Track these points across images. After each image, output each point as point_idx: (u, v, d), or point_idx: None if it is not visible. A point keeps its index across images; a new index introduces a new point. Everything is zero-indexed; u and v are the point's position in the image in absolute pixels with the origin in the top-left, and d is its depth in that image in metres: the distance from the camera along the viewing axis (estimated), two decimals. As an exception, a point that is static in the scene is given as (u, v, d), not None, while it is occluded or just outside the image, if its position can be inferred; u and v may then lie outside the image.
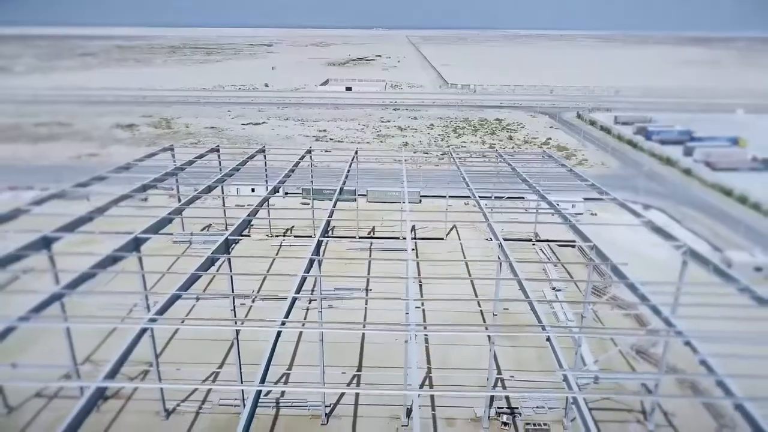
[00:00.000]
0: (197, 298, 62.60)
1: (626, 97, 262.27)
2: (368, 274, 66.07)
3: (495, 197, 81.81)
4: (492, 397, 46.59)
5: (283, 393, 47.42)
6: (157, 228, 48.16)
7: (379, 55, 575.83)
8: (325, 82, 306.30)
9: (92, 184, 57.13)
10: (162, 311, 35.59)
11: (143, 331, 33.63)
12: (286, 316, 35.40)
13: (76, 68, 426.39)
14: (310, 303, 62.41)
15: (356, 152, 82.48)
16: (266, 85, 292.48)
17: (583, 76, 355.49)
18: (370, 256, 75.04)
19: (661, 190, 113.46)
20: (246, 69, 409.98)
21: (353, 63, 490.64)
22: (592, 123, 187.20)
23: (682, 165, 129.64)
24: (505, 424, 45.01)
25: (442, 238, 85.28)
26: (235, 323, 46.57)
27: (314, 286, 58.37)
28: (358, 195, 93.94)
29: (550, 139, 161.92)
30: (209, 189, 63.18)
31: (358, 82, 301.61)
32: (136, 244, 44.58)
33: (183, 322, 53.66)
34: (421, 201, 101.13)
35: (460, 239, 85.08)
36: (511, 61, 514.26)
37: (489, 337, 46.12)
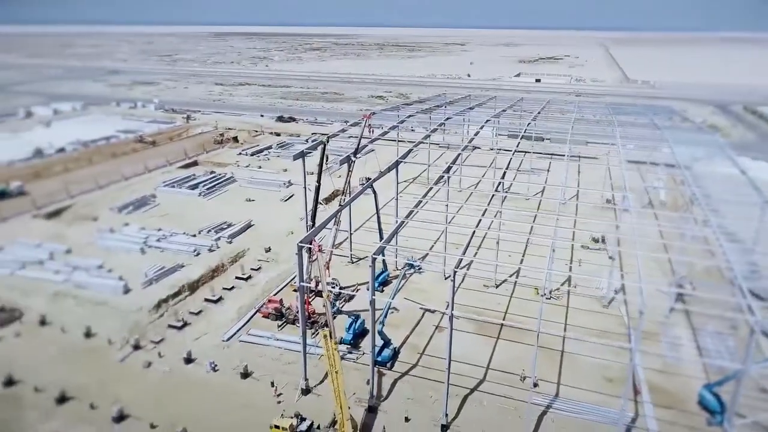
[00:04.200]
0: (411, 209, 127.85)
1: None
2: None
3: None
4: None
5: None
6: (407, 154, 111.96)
7: (567, 55, 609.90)
8: (518, 75, 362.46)
9: (413, 103, 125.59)
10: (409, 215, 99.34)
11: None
12: (483, 214, 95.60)
13: (315, 59, 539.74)
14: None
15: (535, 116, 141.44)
16: (468, 75, 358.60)
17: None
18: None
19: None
20: (447, 63, 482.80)
21: (542, 61, 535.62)
22: (753, 113, 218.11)
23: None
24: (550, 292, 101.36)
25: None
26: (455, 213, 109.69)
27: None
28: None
29: (705, 120, 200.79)
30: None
31: (547, 76, 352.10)
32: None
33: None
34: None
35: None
36: (709, 63, 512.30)
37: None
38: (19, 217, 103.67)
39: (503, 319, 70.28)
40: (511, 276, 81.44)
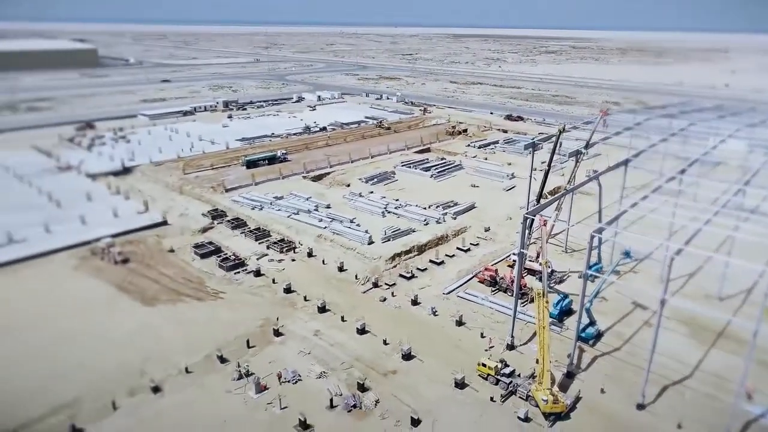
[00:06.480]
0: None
1: None
2: None
3: None
4: None
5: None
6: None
7: None
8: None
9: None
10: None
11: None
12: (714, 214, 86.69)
13: (549, 62, 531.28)
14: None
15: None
16: (726, 86, 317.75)
17: None
18: None
19: None
20: (701, 71, 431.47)
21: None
22: None
23: None
24: None
25: None
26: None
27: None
28: None
29: None
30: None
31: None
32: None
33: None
34: None
35: None
36: None
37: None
38: (293, 177, 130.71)
39: (722, 331, 67.92)
40: (740, 293, 76.86)
